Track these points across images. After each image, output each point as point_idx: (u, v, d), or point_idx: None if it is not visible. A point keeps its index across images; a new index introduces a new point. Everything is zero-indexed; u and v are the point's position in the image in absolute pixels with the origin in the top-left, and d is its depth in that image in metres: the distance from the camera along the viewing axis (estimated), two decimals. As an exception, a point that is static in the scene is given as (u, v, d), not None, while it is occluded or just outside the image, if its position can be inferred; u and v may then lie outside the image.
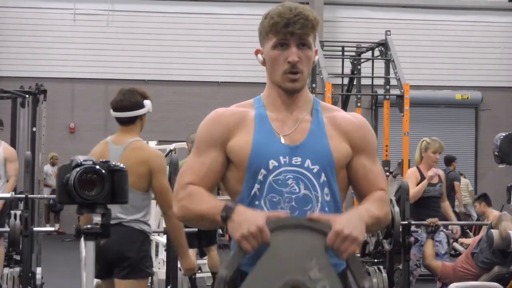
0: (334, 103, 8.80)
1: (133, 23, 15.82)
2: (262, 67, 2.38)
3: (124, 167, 2.53)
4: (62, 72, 15.52)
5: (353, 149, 2.33)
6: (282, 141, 2.28)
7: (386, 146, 9.80)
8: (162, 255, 7.36)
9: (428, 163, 6.95)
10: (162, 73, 15.76)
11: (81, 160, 2.43)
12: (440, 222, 6.56)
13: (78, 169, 2.41)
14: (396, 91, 9.65)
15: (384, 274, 5.97)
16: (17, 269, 5.83)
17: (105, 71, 15.64)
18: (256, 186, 2.26)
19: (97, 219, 2.53)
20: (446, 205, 7.19)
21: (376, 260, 6.69)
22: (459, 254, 8.04)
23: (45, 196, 8.57)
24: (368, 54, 10.78)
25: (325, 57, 10.03)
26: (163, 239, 6.18)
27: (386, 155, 9.65)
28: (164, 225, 5.64)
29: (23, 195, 5.88)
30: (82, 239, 2.61)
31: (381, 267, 6.09)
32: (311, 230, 2.12)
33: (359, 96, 10.72)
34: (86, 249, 2.54)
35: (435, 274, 6.85)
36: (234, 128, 2.31)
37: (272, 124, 2.31)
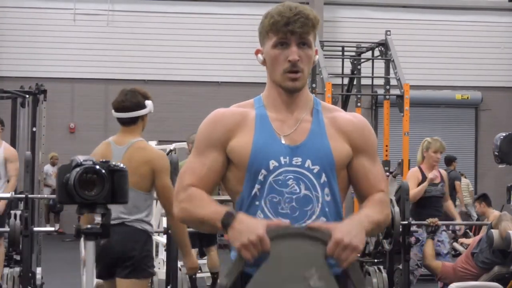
0: (334, 103, 8.80)
1: (133, 23, 15.82)
2: (262, 67, 2.38)
3: (124, 167, 2.53)
4: (62, 72, 15.52)
5: (353, 150, 2.33)
6: (283, 141, 2.28)
7: (386, 146, 9.80)
8: (162, 255, 7.36)
9: (429, 162, 6.97)
10: (162, 73, 15.76)
11: (81, 160, 2.43)
12: (440, 222, 6.56)
13: (78, 169, 2.40)
14: (396, 91, 9.65)
15: (384, 274, 5.97)
16: (17, 269, 5.83)
17: (105, 71, 15.64)
18: (257, 186, 2.25)
19: (98, 219, 2.53)
20: (449, 204, 7.20)
21: (376, 260, 6.69)
22: (459, 254, 8.04)
23: (45, 196, 8.56)
24: (368, 54, 10.78)
25: (325, 57, 10.03)
26: (163, 239, 6.18)
27: (386, 155, 9.65)
28: (164, 225, 5.65)
29: (23, 195, 5.88)
30: (82, 239, 2.61)
31: (381, 267, 6.09)
32: (311, 239, 2.12)
33: (359, 96, 10.72)
34: (86, 249, 2.54)
35: (435, 274, 6.86)
36: (235, 129, 2.30)
37: (273, 124, 2.30)
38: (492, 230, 6.35)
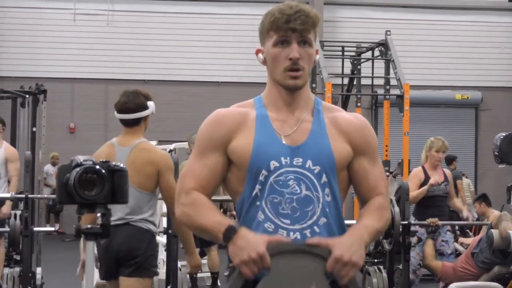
0: (334, 103, 8.80)
1: (133, 23, 15.82)
2: (262, 67, 2.38)
3: (124, 167, 2.53)
4: (62, 72, 15.51)
5: (353, 150, 2.32)
6: (283, 141, 2.27)
7: (386, 146, 9.81)
8: (162, 255, 7.35)
9: (432, 162, 6.99)
10: (162, 73, 15.75)
11: (81, 160, 2.43)
12: (440, 222, 6.56)
13: (78, 169, 2.40)
14: (396, 91, 9.66)
15: (384, 274, 5.96)
16: (17, 269, 5.82)
17: (105, 71, 15.63)
18: (257, 187, 2.25)
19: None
20: (455, 201, 7.21)
21: (376, 260, 6.69)
22: (459, 254, 8.04)
23: (45, 196, 8.57)
24: (368, 54, 10.78)
25: (325, 57, 10.03)
26: (163, 239, 6.18)
27: (386, 155, 9.66)
28: (164, 225, 5.65)
29: (23, 195, 5.88)
30: (82, 239, 2.61)
31: (381, 267, 6.08)
32: (311, 255, 2.13)
33: (359, 96, 10.72)
34: (86, 249, 2.53)
35: (435, 274, 6.86)
36: (236, 129, 2.30)
37: (273, 125, 2.30)
38: (492, 230, 6.35)
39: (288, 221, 2.23)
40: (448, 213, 7.24)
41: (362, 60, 10.70)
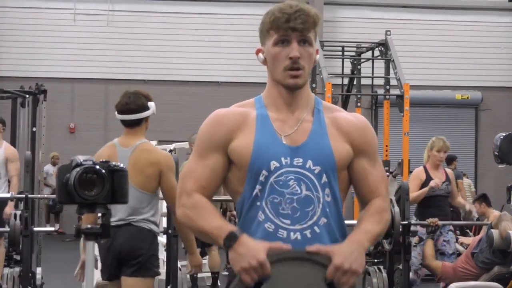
0: (334, 103, 8.80)
1: (133, 23, 15.82)
2: (262, 67, 2.37)
3: (124, 167, 2.53)
4: (62, 72, 15.51)
5: (354, 150, 2.32)
6: (284, 141, 2.27)
7: (386, 146, 9.81)
8: (162, 255, 7.35)
9: (433, 161, 6.99)
10: (162, 73, 15.75)
11: (81, 160, 2.42)
12: (440, 222, 6.56)
13: (78, 169, 2.40)
14: (396, 91, 9.66)
15: (384, 274, 5.96)
16: (17, 269, 5.82)
17: (105, 71, 15.63)
18: (258, 187, 2.25)
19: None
20: (458, 199, 7.21)
21: (376, 260, 6.69)
22: (459, 254, 8.04)
23: (45, 196, 8.56)
24: (368, 54, 10.78)
25: (325, 57, 10.03)
26: (163, 239, 6.17)
27: (386, 155, 9.66)
28: (164, 225, 5.64)
29: (23, 195, 5.88)
30: (82, 240, 2.61)
31: (381, 267, 6.08)
32: (311, 263, 2.13)
33: (359, 96, 10.72)
34: (86, 249, 2.53)
35: (435, 274, 6.85)
36: (236, 129, 2.30)
37: (274, 125, 2.30)
38: (492, 230, 6.35)
39: (288, 221, 2.23)
40: (449, 213, 7.23)
41: (362, 60, 10.70)
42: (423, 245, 6.80)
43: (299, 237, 2.22)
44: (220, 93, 15.47)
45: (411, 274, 6.80)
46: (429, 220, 6.51)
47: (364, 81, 10.73)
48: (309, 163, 2.25)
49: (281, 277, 2.11)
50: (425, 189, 6.83)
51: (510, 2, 15.56)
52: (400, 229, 5.78)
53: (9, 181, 7.74)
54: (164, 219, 5.93)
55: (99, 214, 2.51)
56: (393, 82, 9.69)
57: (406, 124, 9.34)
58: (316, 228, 2.24)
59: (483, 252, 6.44)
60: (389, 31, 9.82)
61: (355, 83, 10.67)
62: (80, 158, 2.44)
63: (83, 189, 2.40)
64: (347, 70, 10.82)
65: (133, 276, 4.07)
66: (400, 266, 6.02)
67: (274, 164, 2.24)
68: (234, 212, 7.98)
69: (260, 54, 2.35)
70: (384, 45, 9.90)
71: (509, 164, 7.28)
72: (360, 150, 2.33)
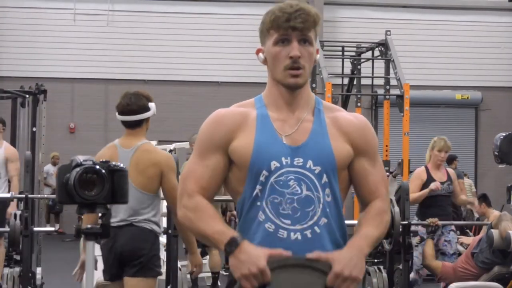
0: (334, 103, 8.80)
1: (133, 23, 15.81)
2: (262, 67, 2.37)
3: (124, 167, 2.53)
4: (62, 72, 15.51)
5: (354, 150, 2.32)
6: (284, 141, 2.27)
7: (386, 146, 9.81)
8: (162, 255, 7.35)
9: (434, 161, 7.00)
10: (162, 73, 15.75)
11: (81, 160, 2.42)
12: (440, 222, 6.56)
13: (78, 169, 2.40)
14: (396, 91, 9.66)
15: (384, 274, 5.96)
16: (17, 269, 5.83)
17: (105, 71, 15.63)
18: (258, 187, 2.25)
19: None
20: (461, 197, 7.21)
21: (376, 260, 6.69)
22: (460, 254, 8.04)
23: (45, 196, 8.56)
24: (368, 54, 10.78)
25: (325, 57, 10.03)
26: (163, 239, 6.17)
27: (386, 155, 9.66)
28: (164, 225, 5.64)
29: (23, 195, 5.88)
30: (82, 240, 2.61)
31: (381, 267, 6.08)
32: (311, 270, 2.13)
33: (359, 96, 10.73)
34: (86, 249, 2.53)
35: (435, 274, 6.85)
36: (236, 129, 2.29)
37: (274, 124, 2.29)
38: (492, 230, 6.34)
39: (288, 222, 2.23)
40: (451, 213, 7.23)
41: (362, 60, 10.71)
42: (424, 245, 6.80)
43: (299, 237, 2.22)
44: (220, 93, 15.47)
45: (412, 274, 6.80)
46: (429, 220, 6.51)
47: (364, 81, 10.74)
48: (310, 163, 2.25)
49: (281, 284, 2.11)
50: (425, 190, 6.83)
51: (510, 2, 15.55)
52: (400, 229, 5.77)
53: (9, 181, 7.74)
54: (164, 219, 5.92)
55: (99, 214, 2.51)
56: (393, 82, 9.69)
57: (406, 124, 9.34)
58: (316, 228, 2.24)
59: (483, 252, 6.44)
60: (389, 31, 9.82)
61: (355, 83, 10.67)
62: (80, 158, 2.44)
63: (83, 189, 2.40)
64: (347, 70, 10.82)
65: (135, 277, 4.08)
66: (400, 266, 6.02)
67: (274, 164, 2.24)
68: (234, 212, 7.98)
69: (260, 54, 2.35)
70: (384, 45, 9.91)
71: (509, 164, 7.28)
72: (360, 150, 2.33)
